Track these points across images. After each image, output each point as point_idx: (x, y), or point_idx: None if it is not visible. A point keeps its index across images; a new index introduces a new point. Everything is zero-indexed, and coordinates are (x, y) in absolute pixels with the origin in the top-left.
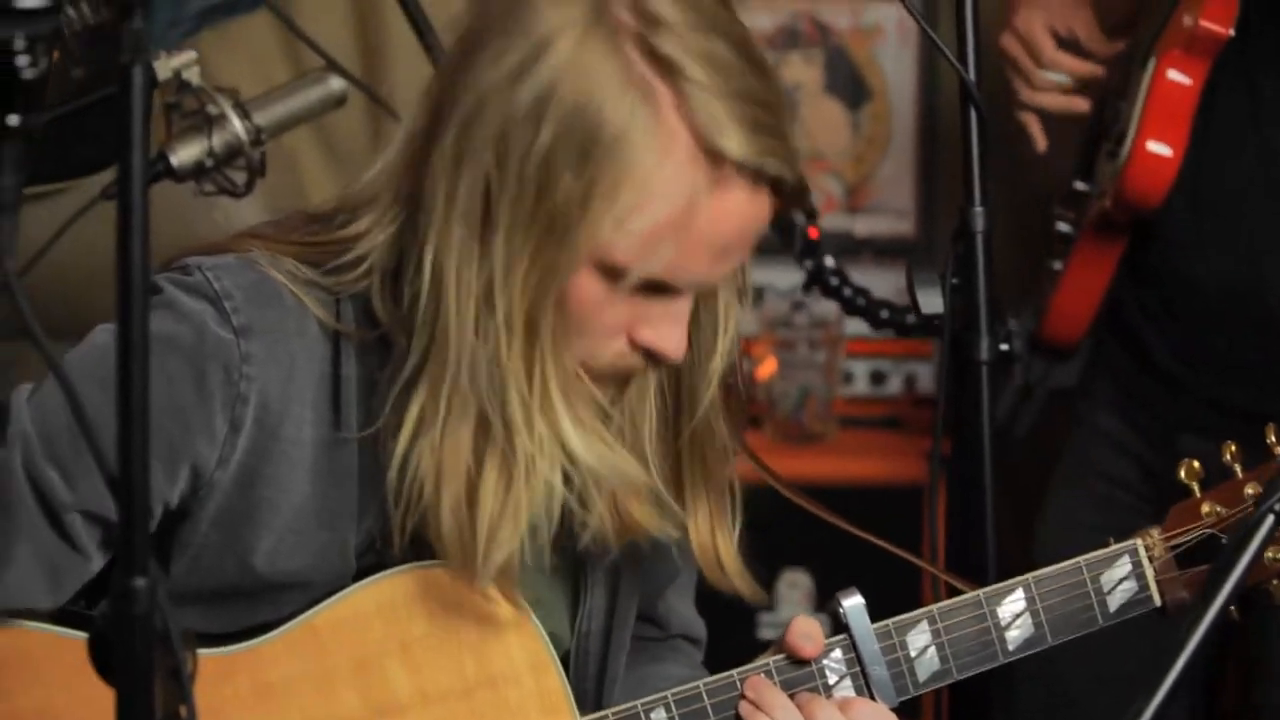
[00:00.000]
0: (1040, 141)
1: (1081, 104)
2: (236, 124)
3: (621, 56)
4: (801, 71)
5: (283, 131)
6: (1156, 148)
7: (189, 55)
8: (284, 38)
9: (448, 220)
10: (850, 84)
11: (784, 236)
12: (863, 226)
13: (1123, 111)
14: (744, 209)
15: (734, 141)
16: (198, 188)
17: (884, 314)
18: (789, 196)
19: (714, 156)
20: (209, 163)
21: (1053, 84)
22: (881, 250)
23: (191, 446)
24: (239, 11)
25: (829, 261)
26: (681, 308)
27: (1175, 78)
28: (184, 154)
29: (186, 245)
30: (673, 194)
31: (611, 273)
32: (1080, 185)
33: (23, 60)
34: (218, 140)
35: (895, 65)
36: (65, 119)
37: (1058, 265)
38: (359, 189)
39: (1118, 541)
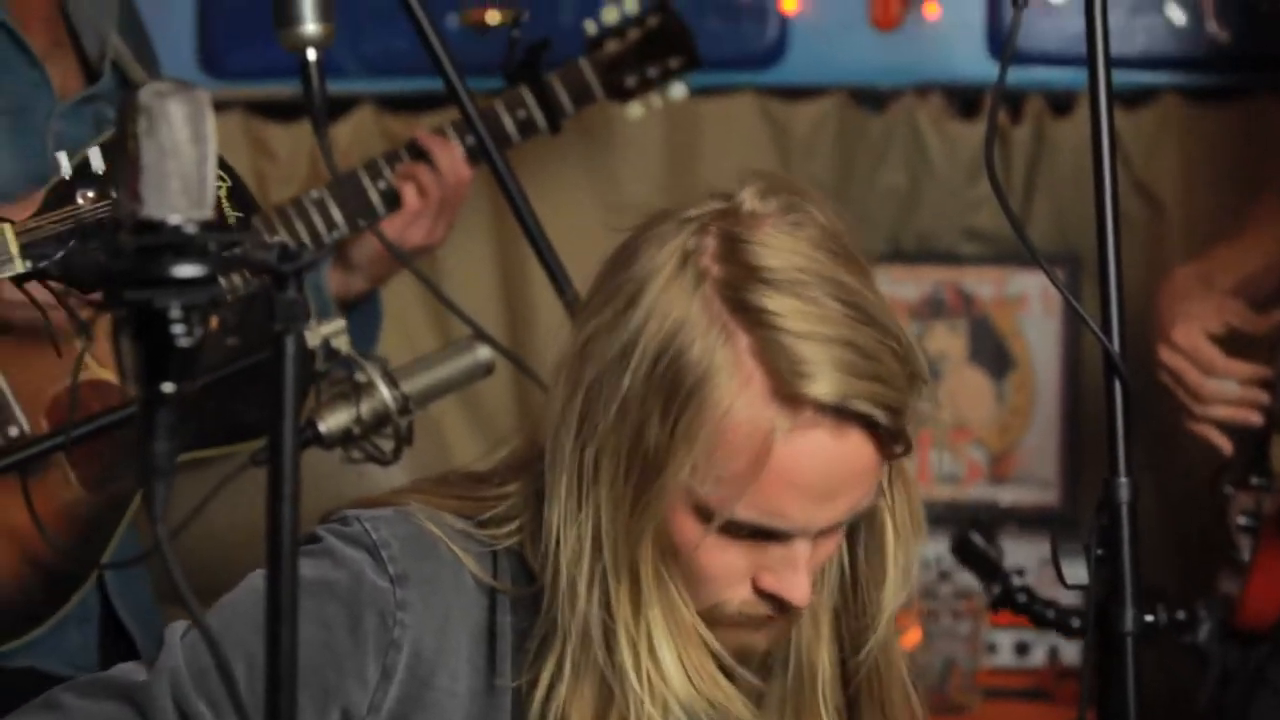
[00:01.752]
0: (1226, 447)
1: (1255, 417)
2: (385, 392)
3: (703, 303)
4: (946, 341)
5: (431, 400)
6: None
7: (338, 324)
8: (432, 306)
9: (557, 475)
10: (994, 354)
11: (971, 565)
12: (1007, 496)
13: None
14: (828, 450)
15: (814, 384)
16: (345, 455)
17: (1075, 623)
18: (887, 436)
19: (791, 399)
20: (357, 430)
21: (1222, 394)
22: (1026, 520)
23: (344, 690)
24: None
25: (1016, 580)
26: (798, 552)
27: None
28: (332, 421)
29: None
30: (747, 435)
31: (703, 514)
32: (1256, 480)
33: (179, 329)
34: (366, 408)
35: (1039, 335)
36: (217, 385)
37: (1242, 555)
38: (515, 449)
39: None
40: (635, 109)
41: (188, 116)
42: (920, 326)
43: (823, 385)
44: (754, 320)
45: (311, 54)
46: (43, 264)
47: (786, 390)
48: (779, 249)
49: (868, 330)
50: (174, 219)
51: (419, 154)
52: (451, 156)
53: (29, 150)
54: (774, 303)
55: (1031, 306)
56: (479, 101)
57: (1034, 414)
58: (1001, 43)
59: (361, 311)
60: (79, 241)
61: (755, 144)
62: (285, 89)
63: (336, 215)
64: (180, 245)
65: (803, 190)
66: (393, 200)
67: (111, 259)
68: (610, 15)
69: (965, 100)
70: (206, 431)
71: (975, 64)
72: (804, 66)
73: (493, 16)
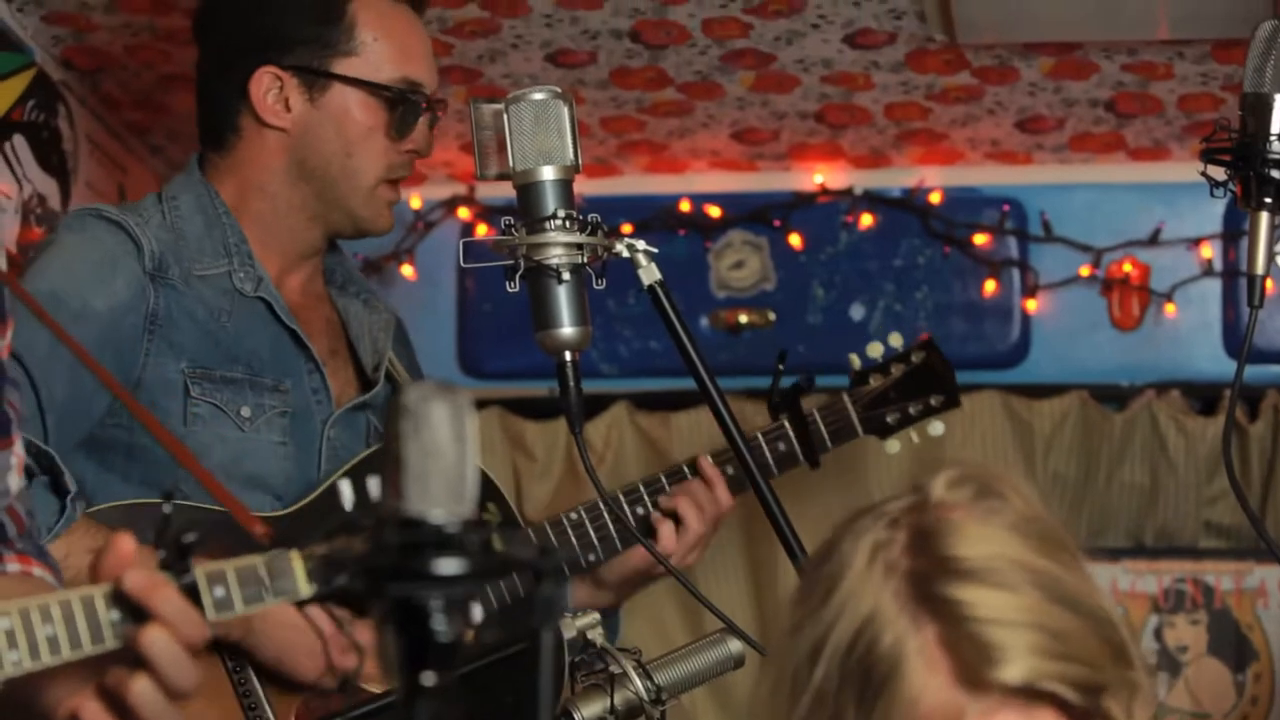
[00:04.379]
0: None
1: None
2: (638, 683)
3: (893, 595)
4: (1187, 633)
5: (682, 691)
6: None
7: (593, 617)
8: (684, 601)
9: None
10: (1234, 645)
11: None
12: None
13: None
14: None
15: (1000, 668)
16: None
17: None
18: (1082, 714)
19: (978, 684)
20: None
21: None
22: None
23: None
24: None
25: None
26: None
27: None
28: (587, 711)
29: None
30: None
31: None
32: None
33: (439, 622)
34: (619, 699)
35: (1279, 627)
36: (474, 676)
37: None
38: None
39: None
40: (894, 444)
41: (450, 417)
42: (1161, 619)
43: (1009, 669)
44: (941, 610)
45: (568, 356)
46: (326, 590)
47: (973, 675)
48: (968, 537)
49: (1061, 610)
50: (436, 516)
51: (682, 478)
52: (721, 483)
53: (304, 452)
54: (961, 592)
55: (1271, 599)
56: (731, 406)
57: (1274, 704)
58: (1239, 341)
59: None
60: (359, 569)
61: (998, 441)
62: (541, 389)
63: (591, 535)
64: (442, 542)
65: (997, 475)
66: (648, 525)
67: (376, 555)
68: (875, 350)
69: (1204, 397)
70: None
71: (1213, 362)
72: (1046, 365)
73: (743, 318)
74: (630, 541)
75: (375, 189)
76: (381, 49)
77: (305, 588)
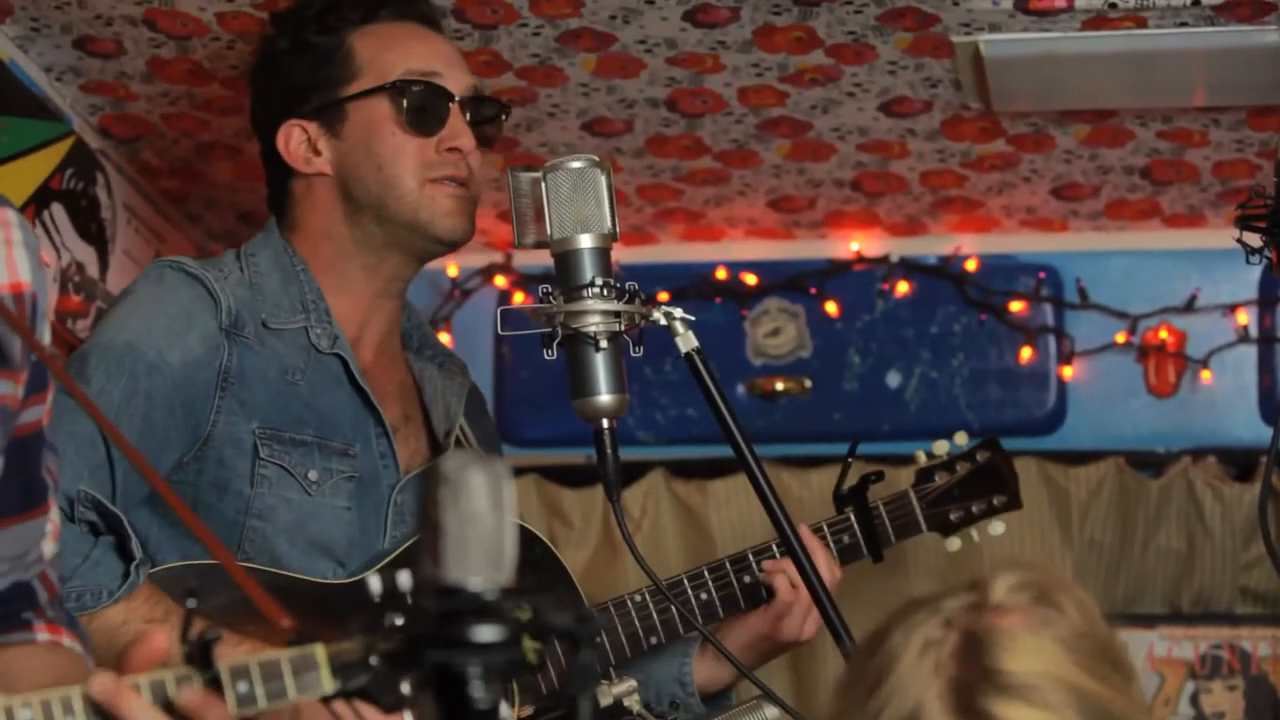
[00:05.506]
0: None
1: None
2: None
3: (937, 696)
4: (1223, 699)
5: None
6: None
7: (630, 684)
8: None
9: None
10: (1271, 711)
11: None
12: None
13: None
14: None
15: None
16: None
17: None
18: None
19: None
20: None
21: None
22: None
23: None
24: None
25: None
26: None
27: None
28: None
29: None
30: None
31: None
32: None
33: (477, 689)
34: None
35: None
36: None
37: None
38: None
39: None
40: (954, 542)
41: (488, 485)
42: (1197, 685)
43: None
44: None
45: (605, 423)
46: (350, 686)
47: None
48: (1018, 651)
49: (1116, 694)
50: (474, 584)
51: (783, 551)
52: (823, 554)
53: (369, 518)
54: (1002, 708)
55: None
56: (767, 470)
57: None
58: (1274, 407)
59: (715, 704)
60: (385, 665)
61: (1035, 507)
62: (578, 456)
63: (654, 617)
64: (480, 609)
65: (1058, 583)
66: (755, 597)
67: (414, 622)
68: (940, 448)
69: (1240, 463)
70: None
71: (1249, 428)
72: (1083, 432)
73: (779, 386)
74: (690, 625)
75: (421, 191)
76: (383, 59)
77: (329, 683)
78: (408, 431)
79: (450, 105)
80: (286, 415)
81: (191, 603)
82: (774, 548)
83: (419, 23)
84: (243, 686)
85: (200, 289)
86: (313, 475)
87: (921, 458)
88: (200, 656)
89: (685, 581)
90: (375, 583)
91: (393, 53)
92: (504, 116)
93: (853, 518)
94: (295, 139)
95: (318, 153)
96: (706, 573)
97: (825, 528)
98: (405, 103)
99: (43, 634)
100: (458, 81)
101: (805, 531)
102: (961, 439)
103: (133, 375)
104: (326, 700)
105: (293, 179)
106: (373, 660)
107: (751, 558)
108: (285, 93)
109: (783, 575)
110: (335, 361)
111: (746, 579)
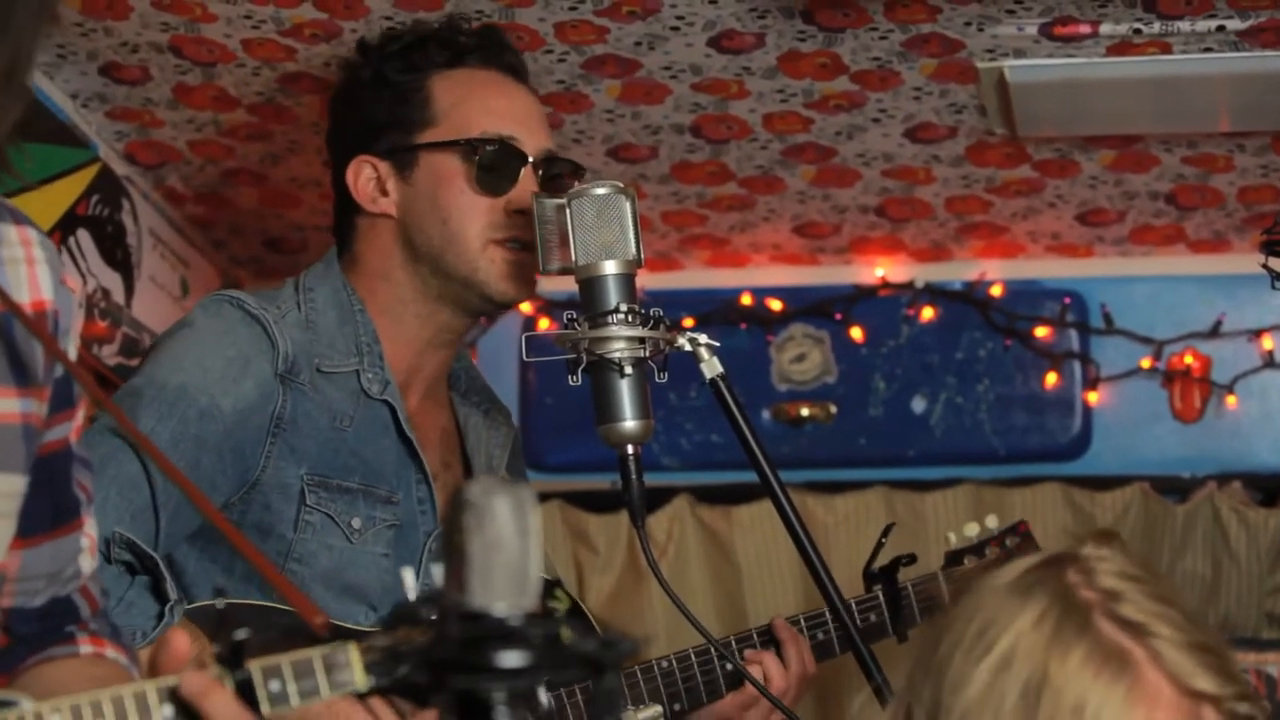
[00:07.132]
0: None
1: None
2: None
3: (1094, 632)
4: None
5: None
6: None
7: (655, 710)
8: None
9: None
10: None
11: None
12: None
13: None
14: None
15: (1207, 682)
16: None
17: None
18: None
19: (1194, 697)
20: None
21: None
22: None
23: None
24: None
25: None
26: None
27: None
28: None
29: None
30: None
31: None
32: None
33: (502, 715)
34: None
35: None
36: None
37: None
38: None
39: None
40: None
41: (513, 510)
42: None
43: (1213, 684)
44: (1144, 636)
45: (630, 449)
46: (384, 682)
47: (1189, 691)
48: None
49: (1210, 630)
50: (499, 609)
51: (768, 640)
52: (801, 650)
53: (405, 564)
54: (1152, 619)
55: None
56: (792, 496)
57: None
58: None
59: None
60: (420, 661)
61: (1060, 533)
62: (603, 482)
63: (679, 685)
64: (505, 635)
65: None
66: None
67: (438, 647)
68: (970, 529)
69: (1265, 488)
70: None
71: (1275, 453)
72: (1108, 457)
73: (804, 411)
74: (715, 694)
75: (484, 250)
76: (462, 111)
77: (363, 680)
78: (447, 478)
79: (523, 169)
80: (334, 462)
81: (221, 603)
82: (754, 636)
83: (504, 72)
84: (275, 685)
85: (258, 329)
86: (356, 523)
87: (951, 540)
88: (231, 657)
89: (693, 656)
90: (409, 578)
91: (472, 106)
92: (580, 174)
93: (882, 597)
94: (365, 176)
95: (385, 193)
96: (693, 656)
97: (854, 605)
98: (478, 160)
99: (86, 646)
100: (534, 144)
101: (781, 624)
102: (992, 522)
103: (183, 420)
104: (362, 697)
105: (358, 214)
106: (407, 657)
107: (734, 644)
108: (361, 126)
109: (759, 667)
110: (384, 408)
111: (727, 666)
